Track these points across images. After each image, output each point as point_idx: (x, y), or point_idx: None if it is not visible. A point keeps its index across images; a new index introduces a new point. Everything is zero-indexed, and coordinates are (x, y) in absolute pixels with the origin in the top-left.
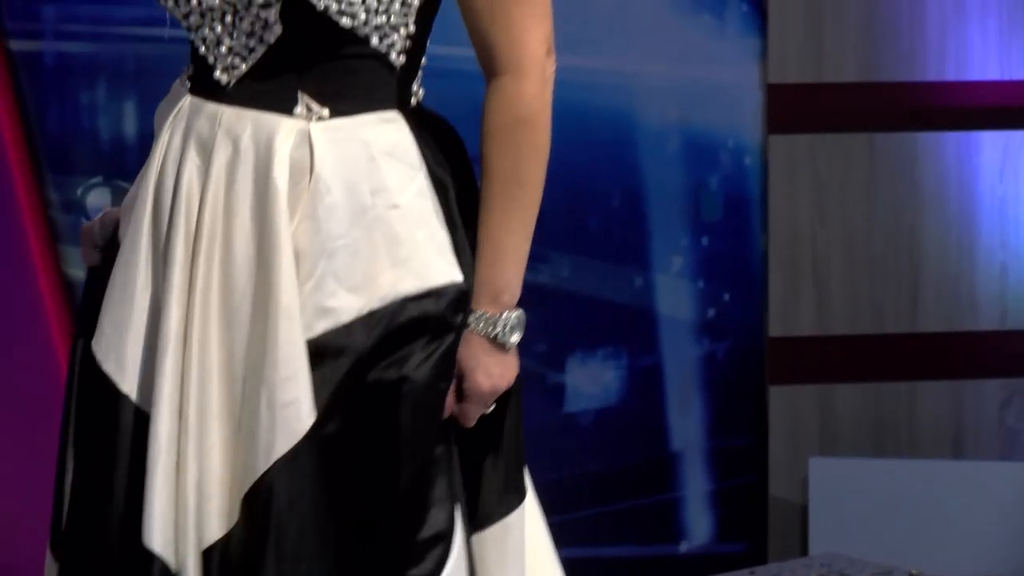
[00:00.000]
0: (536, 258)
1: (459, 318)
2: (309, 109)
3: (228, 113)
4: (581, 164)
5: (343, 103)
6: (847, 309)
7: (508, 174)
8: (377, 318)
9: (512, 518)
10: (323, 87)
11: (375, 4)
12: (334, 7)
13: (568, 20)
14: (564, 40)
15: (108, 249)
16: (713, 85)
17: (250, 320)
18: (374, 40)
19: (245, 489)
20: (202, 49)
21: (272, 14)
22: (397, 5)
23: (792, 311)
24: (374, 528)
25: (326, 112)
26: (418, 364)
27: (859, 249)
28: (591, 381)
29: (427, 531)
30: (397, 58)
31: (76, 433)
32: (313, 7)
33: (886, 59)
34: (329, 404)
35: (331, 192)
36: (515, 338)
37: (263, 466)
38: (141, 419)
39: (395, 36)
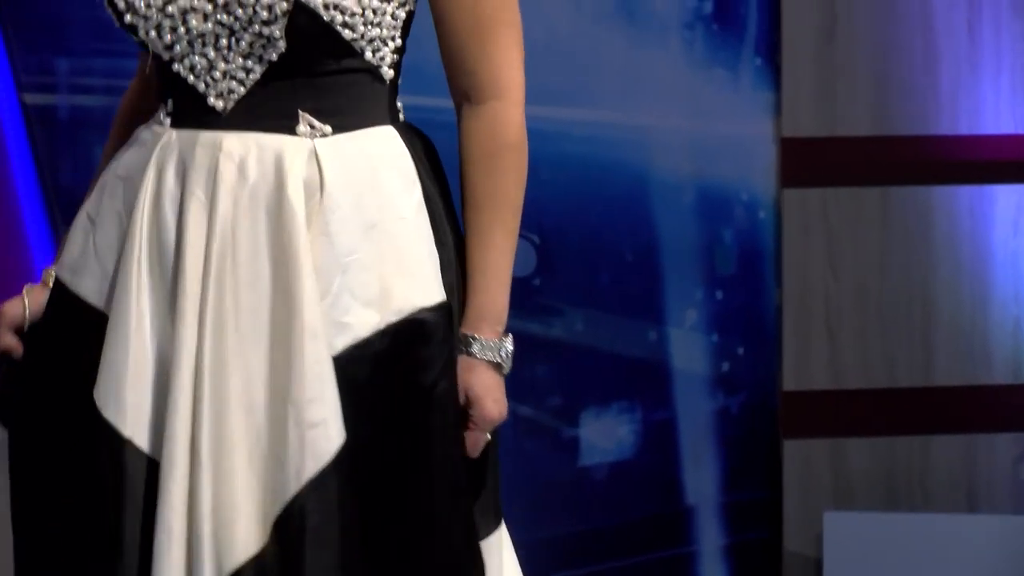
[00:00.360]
0: (550, 312)
1: (453, 337)
2: (311, 127)
3: (229, 139)
4: (595, 218)
5: (343, 119)
6: (861, 363)
7: (499, 200)
8: (394, 331)
9: (491, 539)
10: (322, 104)
11: (371, 16)
12: (339, 18)
13: (582, 74)
14: (578, 94)
15: (35, 331)
16: (727, 139)
17: (270, 342)
18: (368, 53)
19: (276, 512)
20: (190, 78)
21: (277, 30)
22: (388, 17)
23: (806, 365)
24: (408, 543)
25: (328, 129)
26: (437, 374)
27: (872, 303)
28: (605, 435)
29: (463, 540)
30: (387, 71)
31: (54, 485)
32: (320, 19)
33: (899, 113)
34: (356, 422)
35: (342, 207)
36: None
37: (294, 488)
38: (150, 466)
39: (385, 49)
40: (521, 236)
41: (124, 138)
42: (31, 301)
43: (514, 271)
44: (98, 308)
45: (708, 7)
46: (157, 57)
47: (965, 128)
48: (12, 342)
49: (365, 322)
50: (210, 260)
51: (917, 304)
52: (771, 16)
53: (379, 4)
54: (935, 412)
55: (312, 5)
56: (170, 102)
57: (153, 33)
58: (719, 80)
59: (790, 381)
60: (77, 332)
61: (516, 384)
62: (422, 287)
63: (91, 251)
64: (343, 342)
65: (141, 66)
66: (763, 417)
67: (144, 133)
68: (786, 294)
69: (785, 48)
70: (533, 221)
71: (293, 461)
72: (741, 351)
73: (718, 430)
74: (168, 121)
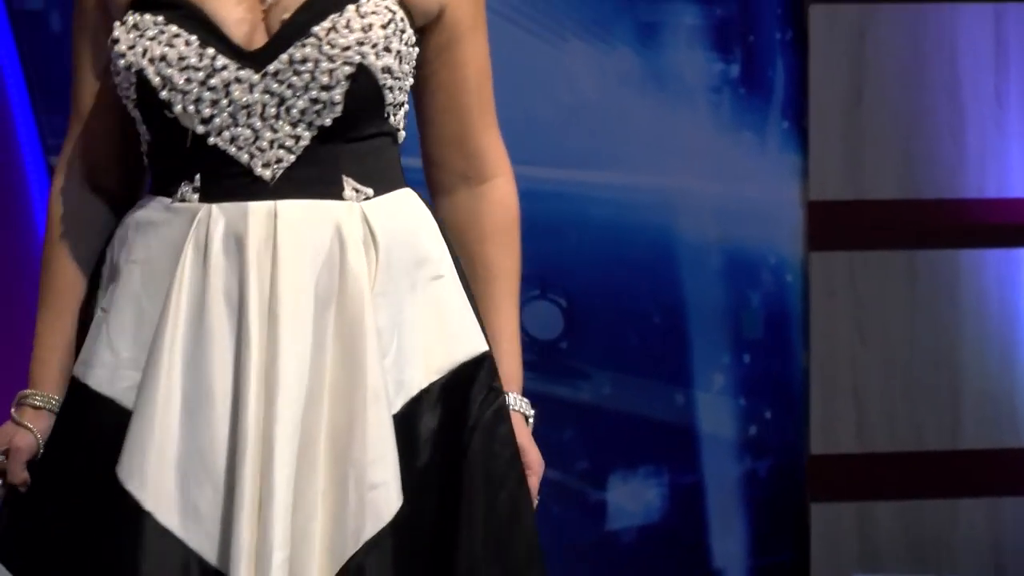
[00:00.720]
0: (577, 375)
1: (498, 384)
2: (356, 191)
3: (284, 207)
4: (622, 281)
5: (378, 182)
6: (888, 426)
7: (513, 271)
8: (440, 387)
9: None
10: (360, 167)
11: (399, 80)
12: (388, 82)
13: (609, 137)
14: (606, 157)
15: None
16: (754, 202)
17: (331, 403)
18: (392, 117)
19: (333, 571)
20: (231, 150)
21: (337, 94)
22: (406, 82)
23: (833, 428)
24: None
25: (371, 191)
26: (497, 418)
27: (899, 366)
28: (633, 498)
29: None
30: (401, 134)
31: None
32: (376, 82)
33: (927, 176)
34: (412, 480)
35: (394, 268)
36: None
37: (351, 549)
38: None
39: (400, 113)
40: (548, 299)
41: (80, 245)
42: (39, 430)
43: (542, 334)
44: (107, 396)
45: (735, 71)
46: (177, 133)
47: (993, 191)
48: (26, 476)
49: (416, 379)
50: (276, 326)
51: (944, 367)
52: (798, 80)
53: (408, 69)
54: (962, 476)
55: (373, 68)
56: (197, 177)
57: (192, 108)
58: (746, 143)
59: (817, 444)
60: (88, 423)
61: (543, 447)
62: (466, 341)
63: (103, 340)
64: (400, 400)
65: (83, 170)
66: (790, 480)
67: (155, 214)
68: (813, 357)
69: (812, 111)
70: (560, 284)
71: (352, 521)
72: (768, 414)
73: (745, 493)
74: (196, 196)
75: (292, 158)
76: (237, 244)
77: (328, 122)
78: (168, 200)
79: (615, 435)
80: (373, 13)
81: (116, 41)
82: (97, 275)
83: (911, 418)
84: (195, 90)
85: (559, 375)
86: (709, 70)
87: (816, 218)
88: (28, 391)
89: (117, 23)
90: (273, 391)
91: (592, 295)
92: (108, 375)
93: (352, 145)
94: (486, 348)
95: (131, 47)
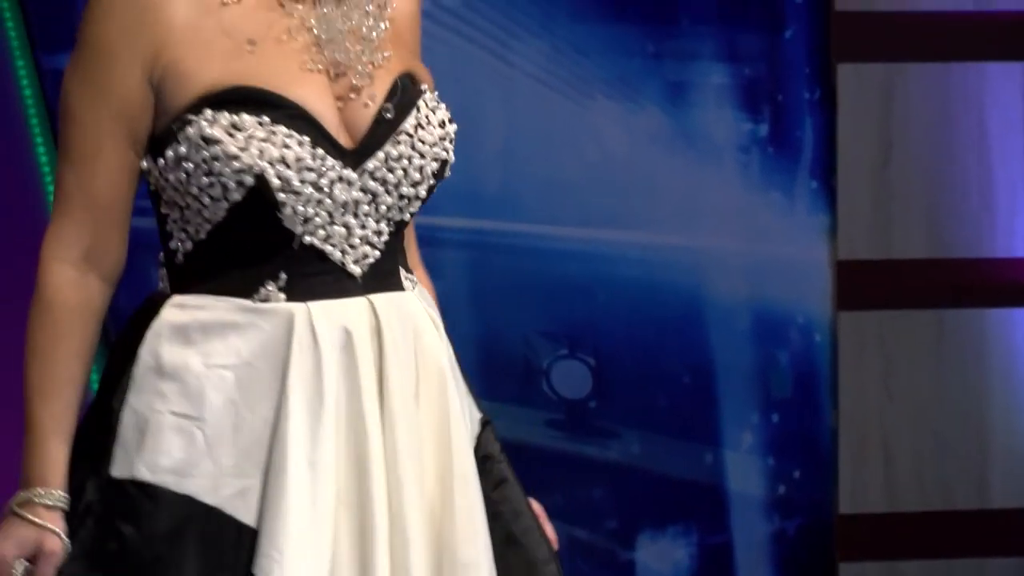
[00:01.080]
0: (606, 434)
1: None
2: (409, 280)
3: (378, 302)
4: (650, 340)
5: (407, 267)
6: (916, 486)
7: None
8: (480, 442)
9: None
10: (402, 256)
11: None
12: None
13: (637, 196)
14: (634, 216)
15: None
16: (782, 261)
17: (430, 488)
18: None
19: None
20: (326, 248)
21: (423, 189)
22: None
23: (861, 488)
24: None
25: (414, 278)
26: (512, 474)
27: (928, 425)
28: (661, 558)
29: None
30: None
31: None
32: (444, 177)
33: (955, 235)
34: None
35: (449, 348)
36: None
37: None
38: None
39: None
40: (576, 358)
41: (87, 333)
42: (62, 530)
43: (570, 393)
44: (211, 505)
45: (764, 130)
46: (273, 233)
47: (1021, 250)
48: None
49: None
50: (392, 419)
51: (972, 426)
52: (827, 139)
53: None
54: (990, 535)
55: (449, 163)
56: (283, 276)
57: (300, 208)
58: (775, 203)
59: (846, 504)
60: (187, 534)
61: (572, 506)
62: (474, 403)
63: (200, 448)
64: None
65: (85, 253)
66: (819, 539)
67: (232, 316)
68: (842, 417)
69: (841, 171)
70: (589, 343)
71: None
72: (797, 474)
73: (774, 553)
74: (283, 296)
75: (377, 254)
76: (346, 343)
77: (407, 217)
78: (244, 300)
79: (644, 494)
80: (438, 107)
81: (217, 142)
82: (123, 372)
83: (939, 477)
84: (308, 191)
85: (588, 434)
86: (737, 129)
87: (844, 277)
88: (39, 490)
89: (201, 121)
90: (399, 489)
91: (621, 354)
92: (211, 484)
93: (401, 235)
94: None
95: (243, 148)
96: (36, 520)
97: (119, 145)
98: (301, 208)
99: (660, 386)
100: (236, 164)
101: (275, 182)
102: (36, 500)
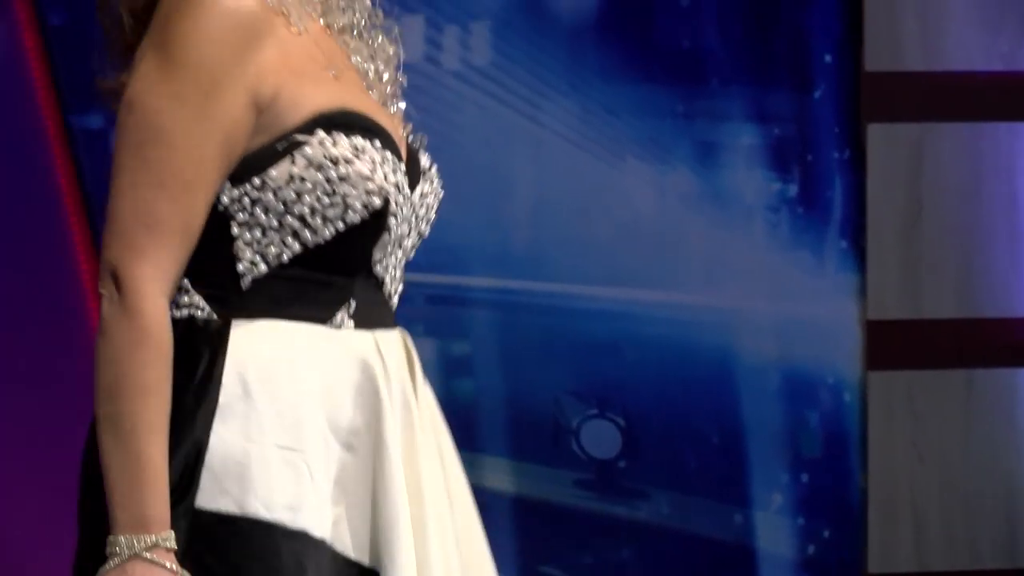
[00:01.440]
0: (635, 495)
1: None
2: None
3: (404, 335)
4: (680, 400)
5: None
6: (945, 546)
7: None
8: None
9: None
10: None
11: None
12: None
13: (666, 256)
14: (663, 276)
15: None
16: (812, 321)
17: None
18: None
19: None
20: (385, 278)
21: (427, 229)
22: None
23: (891, 548)
24: None
25: None
26: None
27: (957, 485)
28: None
29: None
30: None
31: None
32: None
33: (985, 294)
34: None
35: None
36: None
37: None
38: None
39: None
40: (606, 418)
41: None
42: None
43: (599, 453)
44: (319, 538)
45: (793, 190)
46: (361, 261)
47: None
48: None
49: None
50: (419, 449)
51: (1002, 487)
52: (856, 199)
53: None
54: None
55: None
56: (352, 303)
57: (387, 250)
58: (804, 262)
59: (875, 563)
60: (311, 569)
61: (601, 567)
62: None
63: (307, 482)
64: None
65: (174, 286)
66: None
67: (315, 343)
68: (871, 477)
69: (870, 231)
70: (618, 403)
71: None
72: (827, 534)
73: None
74: (352, 323)
75: (401, 287)
76: (400, 373)
77: (413, 254)
78: (321, 327)
79: (673, 555)
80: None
81: (347, 161)
82: (200, 400)
83: (968, 537)
84: (407, 215)
85: (617, 494)
86: (767, 189)
87: (874, 337)
88: (163, 533)
89: (324, 141)
90: (439, 519)
91: (650, 414)
92: (319, 517)
93: None
94: None
95: (372, 171)
96: (171, 567)
97: (222, 172)
98: (389, 251)
99: (689, 446)
100: (370, 185)
101: (392, 206)
102: (163, 543)
